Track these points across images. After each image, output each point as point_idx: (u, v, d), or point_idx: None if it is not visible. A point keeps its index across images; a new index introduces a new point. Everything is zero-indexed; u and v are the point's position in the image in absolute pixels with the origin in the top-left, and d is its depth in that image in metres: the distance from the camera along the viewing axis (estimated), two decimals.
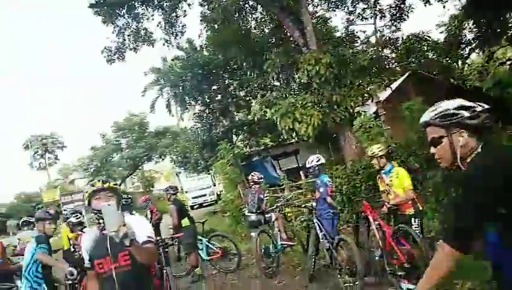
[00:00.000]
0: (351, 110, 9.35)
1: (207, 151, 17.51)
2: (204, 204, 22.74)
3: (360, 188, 8.09)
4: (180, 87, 17.84)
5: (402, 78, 14.19)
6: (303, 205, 6.28)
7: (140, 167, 33.35)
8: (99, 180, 2.47)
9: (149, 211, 9.67)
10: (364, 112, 9.60)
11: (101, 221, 2.30)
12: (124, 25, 12.51)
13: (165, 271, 5.90)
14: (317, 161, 5.78)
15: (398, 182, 4.71)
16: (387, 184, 4.83)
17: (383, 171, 4.94)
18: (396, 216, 4.79)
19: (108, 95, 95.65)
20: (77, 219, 6.06)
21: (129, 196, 7.25)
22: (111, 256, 2.32)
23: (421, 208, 4.72)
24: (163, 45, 13.50)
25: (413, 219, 4.60)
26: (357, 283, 4.88)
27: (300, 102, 9.09)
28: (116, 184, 2.53)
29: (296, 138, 11.30)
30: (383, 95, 13.06)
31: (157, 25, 13.07)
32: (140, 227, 2.32)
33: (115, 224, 2.00)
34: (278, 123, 9.38)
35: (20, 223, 8.32)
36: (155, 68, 21.38)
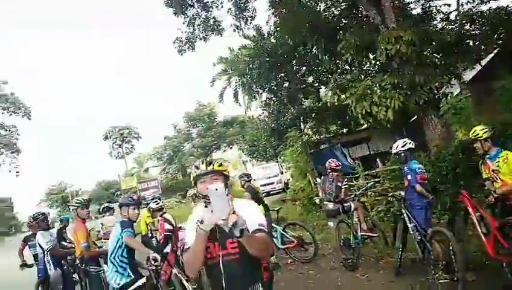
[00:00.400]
0: (436, 92, 8.55)
1: (275, 139, 17.40)
2: (271, 192, 22.73)
3: (446, 176, 7.40)
4: (248, 76, 17.80)
5: (490, 56, 12.78)
6: (390, 195, 5.79)
7: (209, 156, 34.37)
8: (203, 162, 2.24)
9: None
10: (451, 92, 8.71)
11: (207, 206, 2.09)
12: (194, 15, 12.67)
13: None
14: (403, 146, 5.30)
15: (506, 168, 4.10)
16: (493, 170, 4.24)
17: (487, 156, 4.35)
18: (504, 207, 4.20)
19: (179, 86, 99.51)
20: (157, 204, 6.21)
21: None
22: (219, 241, 2.13)
23: None
24: (234, 31, 13.46)
25: None
26: (455, 279, 4.40)
27: (378, 84, 8.49)
28: (221, 165, 2.24)
29: (369, 124, 10.62)
30: (469, 74, 11.86)
31: (228, 11, 13.04)
32: (251, 214, 2.09)
33: (223, 212, 1.82)
34: (352, 108, 8.86)
35: (101, 208, 8.78)
36: (223, 58, 21.67)
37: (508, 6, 11.49)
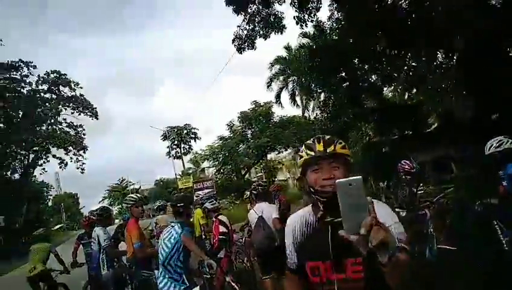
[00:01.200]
0: None
1: None
2: None
3: None
4: (306, 76, 17.26)
5: None
6: (478, 203, 5.00)
7: (264, 157, 34.10)
8: (319, 140, 1.57)
9: (277, 200, 9.35)
10: None
11: (321, 209, 1.55)
12: (254, 12, 12.40)
13: None
14: (497, 146, 4.48)
15: None
16: None
17: None
18: None
19: (235, 86, 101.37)
20: (212, 205, 5.89)
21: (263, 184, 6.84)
22: (333, 260, 1.51)
23: None
24: (296, 23, 12.93)
25: None
26: None
27: (455, 79, 7.60)
28: (345, 147, 1.59)
29: (441, 124, 9.65)
30: None
31: (290, 3, 12.54)
32: (395, 225, 1.46)
33: (359, 221, 1.14)
34: (424, 105, 8.04)
35: (156, 207, 8.61)
36: (280, 58, 21.30)
37: None
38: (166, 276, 3.85)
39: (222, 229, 5.61)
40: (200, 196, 7.34)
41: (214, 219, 5.87)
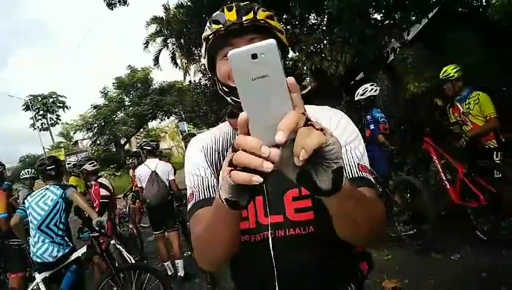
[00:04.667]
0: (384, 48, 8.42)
1: (216, 104, 16.68)
2: None
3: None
4: (186, 37, 16.69)
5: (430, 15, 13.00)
6: None
7: (145, 126, 32.62)
8: (229, 8, 1.00)
9: None
10: (399, 47, 8.62)
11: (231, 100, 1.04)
12: None
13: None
14: (363, 94, 4.98)
15: (477, 109, 3.92)
16: (463, 113, 4.05)
17: (457, 98, 4.15)
18: (472, 151, 4.05)
19: (108, 49, 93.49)
20: (93, 166, 5.36)
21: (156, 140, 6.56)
22: (264, 195, 1.02)
23: (503, 140, 3.96)
24: None
25: (495, 152, 3.87)
26: (412, 231, 4.31)
27: (328, 38, 8.13)
28: (271, 17, 1.03)
29: (317, 81, 10.34)
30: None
31: None
32: (345, 136, 1.01)
33: (276, 121, 0.58)
34: (301, 64, 8.49)
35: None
36: (157, 17, 20.11)
37: None
38: (46, 241, 3.46)
39: (104, 192, 5.18)
40: (73, 162, 6.58)
41: (93, 183, 5.38)
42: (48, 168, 3.84)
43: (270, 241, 0.99)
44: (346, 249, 1.04)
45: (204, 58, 1.10)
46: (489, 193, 3.81)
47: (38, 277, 3.53)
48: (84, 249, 3.73)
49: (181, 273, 4.99)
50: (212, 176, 1.06)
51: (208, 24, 1.06)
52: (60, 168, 4.02)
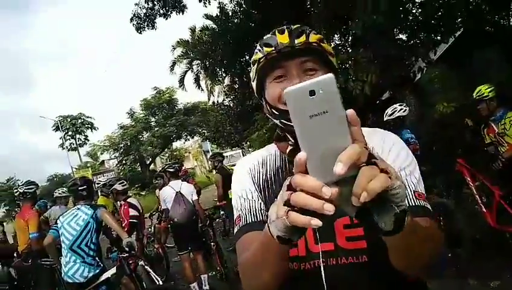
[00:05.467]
0: (410, 68, 8.35)
1: (240, 124, 16.83)
2: None
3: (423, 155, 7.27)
4: (210, 59, 17.04)
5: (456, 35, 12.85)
6: None
7: (169, 146, 33.12)
8: (281, 31, 1.01)
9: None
10: (426, 66, 8.53)
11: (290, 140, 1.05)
12: None
13: (213, 245, 5.49)
14: (391, 114, 4.92)
15: None
16: (498, 133, 3.92)
17: (492, 118, 4.03)
18: (509, 172, 3.90)
19: (135, 72, 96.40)
20: (123, 186, 5.46)
21: (178, 162, 6.72)
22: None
23: None
24: (199, 1, 12.59)
25: None
26: (448, 255, 4.15)
27: (353, 58, 8.12)
28: (322, 39, 1.03)
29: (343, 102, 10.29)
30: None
31: None
32: (406, 167, 0.97)
33: (335, 155, 0.56)
34: None
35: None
36: (183, 40, 20.65)
37: None
38: (78, 261, 3.51)
39: (133, 212, 5.27)
40: (103, 181, 6.71)
41: (122, 203, 5.48)
42: (79, 188, 3.93)
43: (322, 270, 0.94)
44: (401, 279, 0.95)
45: (253, 80, 1.10)
46: None
47: None
48: (113, 270, 3.76)
49: (206, 287, 5.00)
50: (259, 199, 1.05)
51: (258, 47, 1.06)
52: (91, 188, 4.11)
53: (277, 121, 1.04)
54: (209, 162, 7.03)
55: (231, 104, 17.41)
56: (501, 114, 3.90)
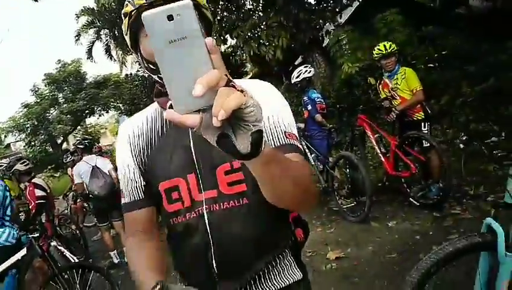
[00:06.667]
0: (320, 30, 8.69)
1: None
2: None
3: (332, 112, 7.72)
4: (120, 28, 15.99)
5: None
6: None
7: (82, 122, 30.95)
8: None
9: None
10: (333, 29, 8.92)
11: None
12: None
13: None
14: (297, 76, 5.11)
15: (404, 84, 4.17)
16: (392, 88, 4.28)
17: (385, 75, 4.38)
18: (402, 124, 4.33)
19: (36, 45, 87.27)
20: (26, 165, 5.02)
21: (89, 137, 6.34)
22: (198, 172, 0.99)
23: (429, 111, 4.25)
24: None
25: (423, 123, 4.15)
26: (353, 204, 4.58)
27: (264, 22, 8.20)
28: None
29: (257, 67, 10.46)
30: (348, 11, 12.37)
31: None
32: (269, 104, 0.99)
33: (203, 80, 0.55)
34: (239, 51, 8.53)
35: None
36: (87, 8, 19.04)
37: None
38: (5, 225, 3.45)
39: (39, 192, 4.91)
40: (4, 164, 6.06)
41: (26, 184, 5.06)
42: None
43: (206, 215, 0.98)
44: (280, 218, 1.06)
45: (126, 35, 1.03)
46: (419, 162, 4.11)
47: None
48: (24, 251, 3.51)
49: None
50: (138, 174, 1.08)
51: None
52: None
53: (155, 77, 1.00)
54: None
55: (146, 75, 16.68)
56: (395, 70, 4.26)
